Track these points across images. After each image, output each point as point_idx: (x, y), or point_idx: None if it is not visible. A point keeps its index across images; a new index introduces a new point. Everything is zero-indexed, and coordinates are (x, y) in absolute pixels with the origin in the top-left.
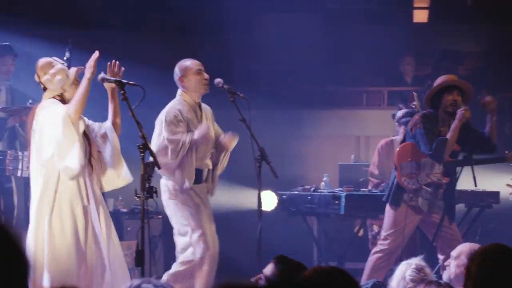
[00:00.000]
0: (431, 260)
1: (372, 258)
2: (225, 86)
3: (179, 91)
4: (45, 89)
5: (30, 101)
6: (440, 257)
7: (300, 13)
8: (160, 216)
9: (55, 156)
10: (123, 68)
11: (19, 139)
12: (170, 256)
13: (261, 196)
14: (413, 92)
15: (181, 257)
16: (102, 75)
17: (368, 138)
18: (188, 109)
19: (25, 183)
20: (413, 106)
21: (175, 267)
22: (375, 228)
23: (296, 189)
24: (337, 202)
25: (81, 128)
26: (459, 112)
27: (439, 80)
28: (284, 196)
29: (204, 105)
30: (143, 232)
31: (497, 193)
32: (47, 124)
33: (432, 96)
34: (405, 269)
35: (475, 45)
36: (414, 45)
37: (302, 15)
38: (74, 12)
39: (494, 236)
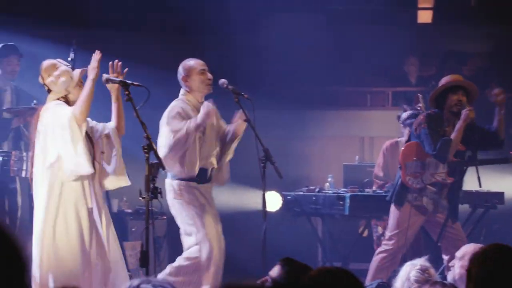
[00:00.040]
0: (436, 261)
1: (376, 258)
2: (230, 87)
3: (182, 91)
4: (49, 91)
5: (34, 101)
6: (445, 257)
7: (303, 14)
8: (165, 217)
9: (60, 158)
10: (126, 69)
11: (23, 139)
12: (174, 257)
13: (266, 197)
14: (418, 94)
15: (186, 252)
16: (106, 75)
17: (372, 139)
18: (192, 109)
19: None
20: (418, 108)
21: (179, 261)
22: (380, 229)
23: (301, 189)
24: (341, 202)
25: (84, 130)
26: (464, 112)
27: (444, 80)
28: (288, 197)
29: None
30: (148, 233)
31: (502, 193)
32: (52, 125)
33: (437, 96)
34: (410, 269)
35: (479, 46)
36: (418, 46)
37: (306, 15)
38: (75, 12)
39: (498, 236)
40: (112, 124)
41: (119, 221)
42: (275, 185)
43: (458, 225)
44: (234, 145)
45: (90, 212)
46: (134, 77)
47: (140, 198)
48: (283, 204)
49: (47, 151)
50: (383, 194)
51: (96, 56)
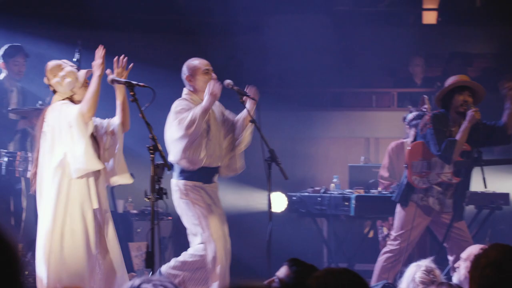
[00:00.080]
0: (441, 262)
1: (381, 258)
2: (235, 88)
3: (185, 90)
4: (54, 91)
5: (39, 102)
6: (450, 258)
7: (309, 15)
8: (170, 218)
9: (68, 156)
10: (132, 64)
11: (30, 140)
12: None
13: (271, 198)
14: (424, 96)
15: (192, 249)
16: (112, 76)
17: (377, 140)
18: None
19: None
20: (424, 109)
21: (184, 257)
22: (385, 229)
23: (306, 190)
24: (347, 203)
25: (90, 129)
26: (469, 113)
27: (451, 80)
28: (294, 198)
29: None
30: (153, 234)
31: (507, 194)
32: (59, 123)
33: (443, 96)
34: (415, 270)
35: (485, 46)
36: (423, 47)
37: (311, 16)
38: (82, 12)
39: (504, 237)
40: (117, 120)
41: (124, 222)
42: (281, 186)
43: (463, 226)
44: (247, 132)
45: (95, 213)
46: (139, 78)
47: (146, 199)
48: (288, 205)
49: (53, 150)
50: (389, 195)
51: (100, 52)
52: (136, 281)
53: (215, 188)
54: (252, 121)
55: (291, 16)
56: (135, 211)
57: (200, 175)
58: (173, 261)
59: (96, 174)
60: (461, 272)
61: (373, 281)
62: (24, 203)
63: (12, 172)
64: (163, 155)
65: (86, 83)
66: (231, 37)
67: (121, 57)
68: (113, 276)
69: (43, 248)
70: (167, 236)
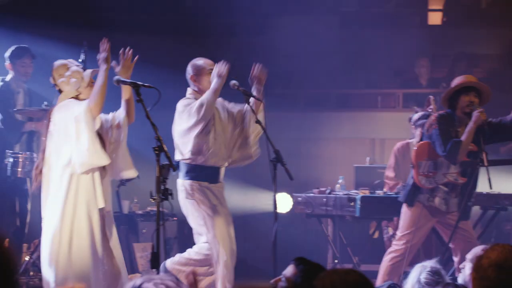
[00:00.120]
0: (447, 262)
1: (386, 259)
2: (241, 88)
3: (190, 90)
4: (60, 91)
5: (45, 103)
6: (455, 259)
7: (315, 16)
8: (176, 218)
9: (75, 152)
10: (137, 56)
11: (36, 141)
12: None
13: (277, 198)
14: (430, 96)
15: (197, 246)
16: (117, 77)
17: (383, 140)
18: None
19: (31, 184)
20: (430, 110)
21: (190, 254)
22: (390, 230)
23: (312, 191)
24: (352, 204)
25: (97, 124)
26: (475, 114)
27: (457, 80)
28: (299, 198)
29: None
30: (159, 234)
31: None
32: (66, 120)
33: (450, 96)
34: (420, 271)
35: (490, 47)
36: (429, 47)
37: (317, 17)
38: (88, 13)
39: (509, 238)
40: (122, 113)
41: (130, 223)
42: (286, 186)
43: (469, 227)
44: (257, 121)
45: (100, 212)
46: (145, 78)
47: (151, 199)
48: (294, 206)
49: (61, 150)
50: (394, 195)
51: (105, 45)
52: (138, 281)
53: (221, 188)
54: (258, 121)
55: (298, 17)
56: (140, 212)
57: (206, 175)
58: (178, 257)
59: (102, 172)
60: (466, 272)
61: (378, 282)
62: (29, 205)
63: (18, 173)
64: (169, 155)
65: (91, 83)
66: (237, 38)
67: (127, 49)
68: (118, 276)
69: (50, 248)
70: (173, 237)
